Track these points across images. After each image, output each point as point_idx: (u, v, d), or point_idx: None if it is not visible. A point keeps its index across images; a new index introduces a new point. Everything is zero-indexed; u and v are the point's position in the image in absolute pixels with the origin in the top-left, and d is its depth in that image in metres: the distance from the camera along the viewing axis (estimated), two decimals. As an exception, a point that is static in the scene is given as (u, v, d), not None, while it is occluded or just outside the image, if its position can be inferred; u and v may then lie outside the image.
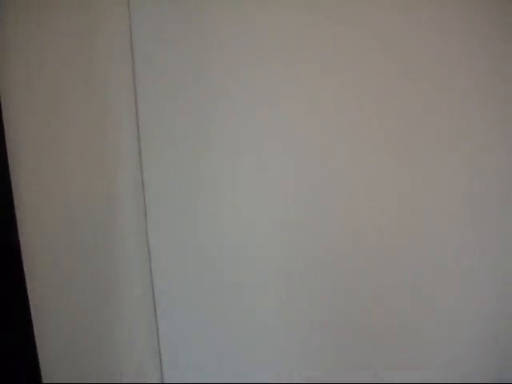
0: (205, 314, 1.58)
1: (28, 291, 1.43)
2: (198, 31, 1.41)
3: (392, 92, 1.45)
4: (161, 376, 1.63)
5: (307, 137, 1.48)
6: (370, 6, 1.41)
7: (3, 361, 1.31)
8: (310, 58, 1.44)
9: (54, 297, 1.49)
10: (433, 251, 1.50)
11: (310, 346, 1.55)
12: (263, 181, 1.50)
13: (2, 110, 1.33)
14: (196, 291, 1.57)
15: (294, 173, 1.49)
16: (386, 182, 1.50)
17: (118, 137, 1.46)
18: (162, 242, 1.53)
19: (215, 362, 1.60)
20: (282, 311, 1.55)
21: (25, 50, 1.37)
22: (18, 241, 1.37)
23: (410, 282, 1.51)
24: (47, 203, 1.45)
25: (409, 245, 1.51)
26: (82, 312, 1.52)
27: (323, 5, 1.42)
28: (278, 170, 1.49)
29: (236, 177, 1.50)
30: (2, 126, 1.33)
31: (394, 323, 1.53)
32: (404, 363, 1.54)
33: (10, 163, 1.37)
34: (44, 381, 1.48)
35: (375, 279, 1.51)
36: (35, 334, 1.45)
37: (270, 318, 1.56)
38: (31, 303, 1.41)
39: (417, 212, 1.49)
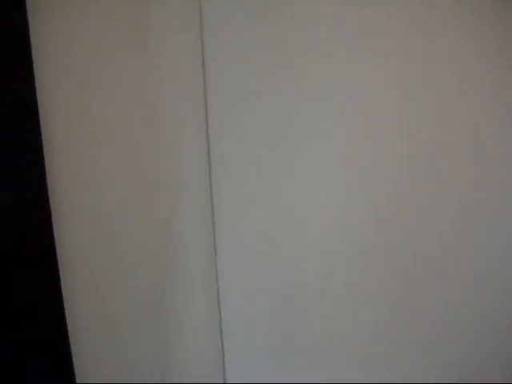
0: (269, 314, 1.55)
1: (74, 289, 1.37)
2: (272, 28, 1.37)
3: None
4: (223, 376, 1.60)
5: (384, 138, 1.44)
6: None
7: (36, 360, 1.27)
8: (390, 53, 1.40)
9: (109, 295, 1.44)
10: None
11: (380, 346, 1.52)
12: (334, 179, 1.47)
13: (42, 113, 1.23)
14: (261, 291, 1.53)
15: (366, 173, 1.45)
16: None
17: (186, 136, 1.43)
18: (228, 241, 1.51)
19: (279, 362, 1.57)
20: (349, 310, 1.52)
21: (83, 45, 1.29)
22: (53, 241, 1.29)
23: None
24: (101, 200, 1.40)
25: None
26: (142, 311, 1.48)
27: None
28: (349, 170, 1.46)
29: (307, 176, 1.46)
30: (39, 125, 1.22)
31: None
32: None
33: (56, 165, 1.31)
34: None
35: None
36: (86, 333, 1.41)
37: (337, 318, 1.53)
38: (80, 300, 1.38)
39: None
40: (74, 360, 1.34)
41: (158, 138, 1.40)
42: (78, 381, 1.37)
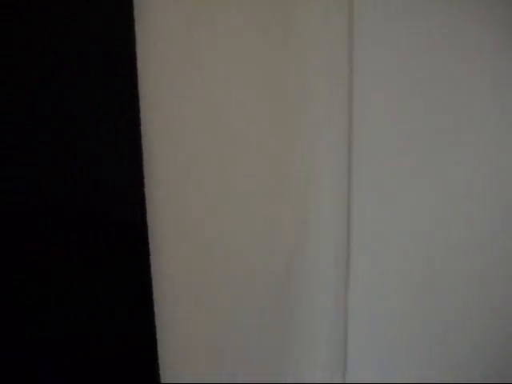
0: (395, 316, 1.50)
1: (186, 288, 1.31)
2: (426, 31, 1.32)
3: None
4: (343, 377, 1.55)
5: None
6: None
7: (120, 356, 1.21)
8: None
9: (233, 295, 1.38)
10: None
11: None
12: (478, 181, 1.40)
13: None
14: (390, 295, 1.49)
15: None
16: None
17: (326, 139, 1.37)
18: (361, 241, 1.45)
19: (400, 363, 1.53)
20: (477, 312, 1.46)
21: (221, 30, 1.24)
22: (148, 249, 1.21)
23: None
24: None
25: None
26: (265, 311, 1.43)
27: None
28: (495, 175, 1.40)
29: (454, 181, 1.41)
30: (139, 120, 1.14)
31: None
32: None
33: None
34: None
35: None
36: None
37: (463, 319, 1.48)
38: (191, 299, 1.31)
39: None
40: (174, 358, 1.29)
41: (295, 140, 1.34)
42: (182, 381, 1.32)
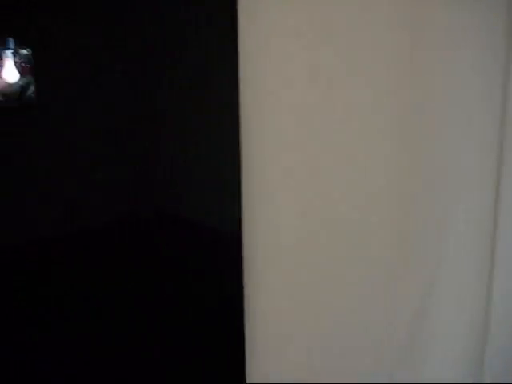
0: None
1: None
2: None
3: None
4: (481, 378, 1.51)
5: None
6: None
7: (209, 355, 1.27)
8: None
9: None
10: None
11: None
12: None
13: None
14: None
15: None
16: None
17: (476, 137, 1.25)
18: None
19: None
20: None
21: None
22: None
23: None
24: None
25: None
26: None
27: None
28: None
29: None
30: (238, 131, 1.02)
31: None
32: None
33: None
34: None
35: None
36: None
37: None
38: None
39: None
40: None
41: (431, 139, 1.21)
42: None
